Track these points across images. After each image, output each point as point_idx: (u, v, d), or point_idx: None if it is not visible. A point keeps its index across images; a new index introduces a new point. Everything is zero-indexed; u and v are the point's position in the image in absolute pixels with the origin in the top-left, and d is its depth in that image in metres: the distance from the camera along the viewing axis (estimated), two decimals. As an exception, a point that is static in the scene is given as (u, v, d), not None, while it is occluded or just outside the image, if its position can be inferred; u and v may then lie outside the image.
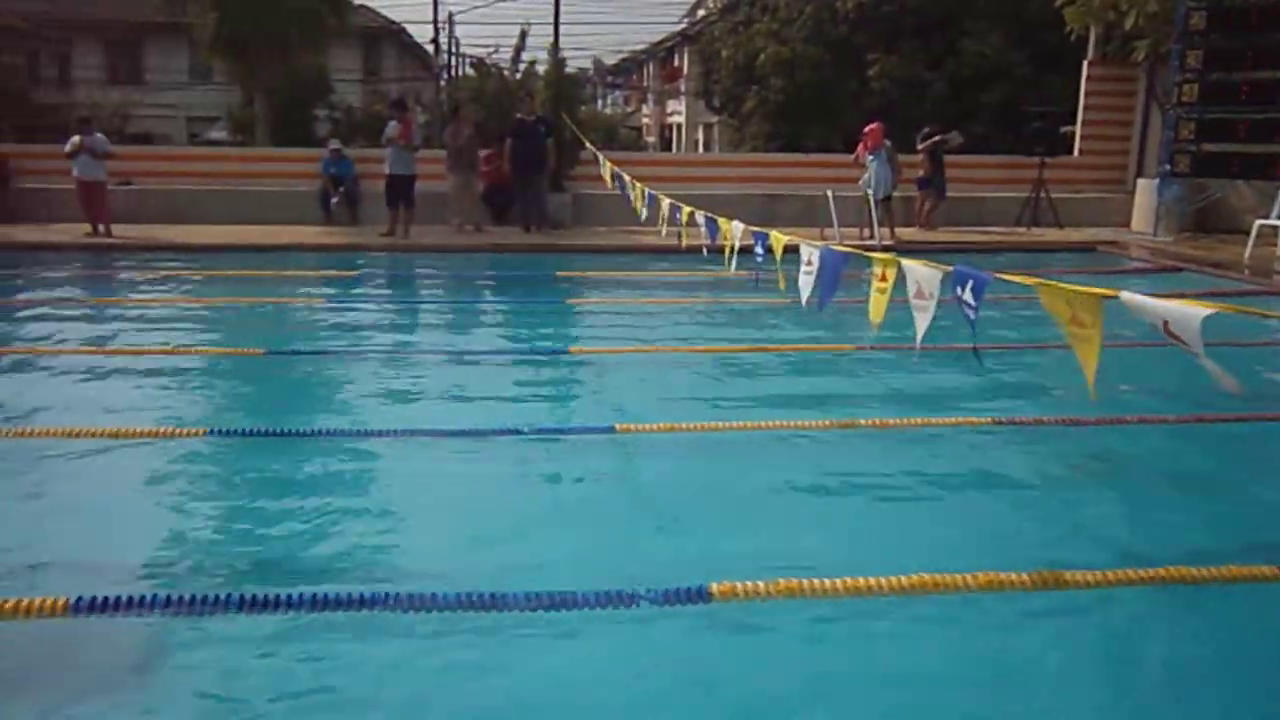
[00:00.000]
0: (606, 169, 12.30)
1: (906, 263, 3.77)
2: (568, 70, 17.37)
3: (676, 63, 44.63)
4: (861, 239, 13.45)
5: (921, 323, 3.65)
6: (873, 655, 3.12)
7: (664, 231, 8.54)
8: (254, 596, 3.17)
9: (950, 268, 3.47)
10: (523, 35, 18.69)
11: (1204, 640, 3.29)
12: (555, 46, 16.35)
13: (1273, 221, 12.22)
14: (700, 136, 39.90)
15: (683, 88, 41.23)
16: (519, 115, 14.51)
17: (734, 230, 6.20)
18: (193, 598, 3.17)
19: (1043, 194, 15.31)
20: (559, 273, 11.56)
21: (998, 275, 3.31)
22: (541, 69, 17.10)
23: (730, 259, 6.27)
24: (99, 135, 13.92)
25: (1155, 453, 5.22)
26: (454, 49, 34.71)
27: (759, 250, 5.71)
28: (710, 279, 10.35)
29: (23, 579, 3.45)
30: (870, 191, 13.92)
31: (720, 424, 5.29)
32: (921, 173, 15.18)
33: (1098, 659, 3.17)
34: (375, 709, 2.81)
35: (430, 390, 6.34)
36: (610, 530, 4.07)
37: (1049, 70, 19.18)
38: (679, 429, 5.17)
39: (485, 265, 12.65)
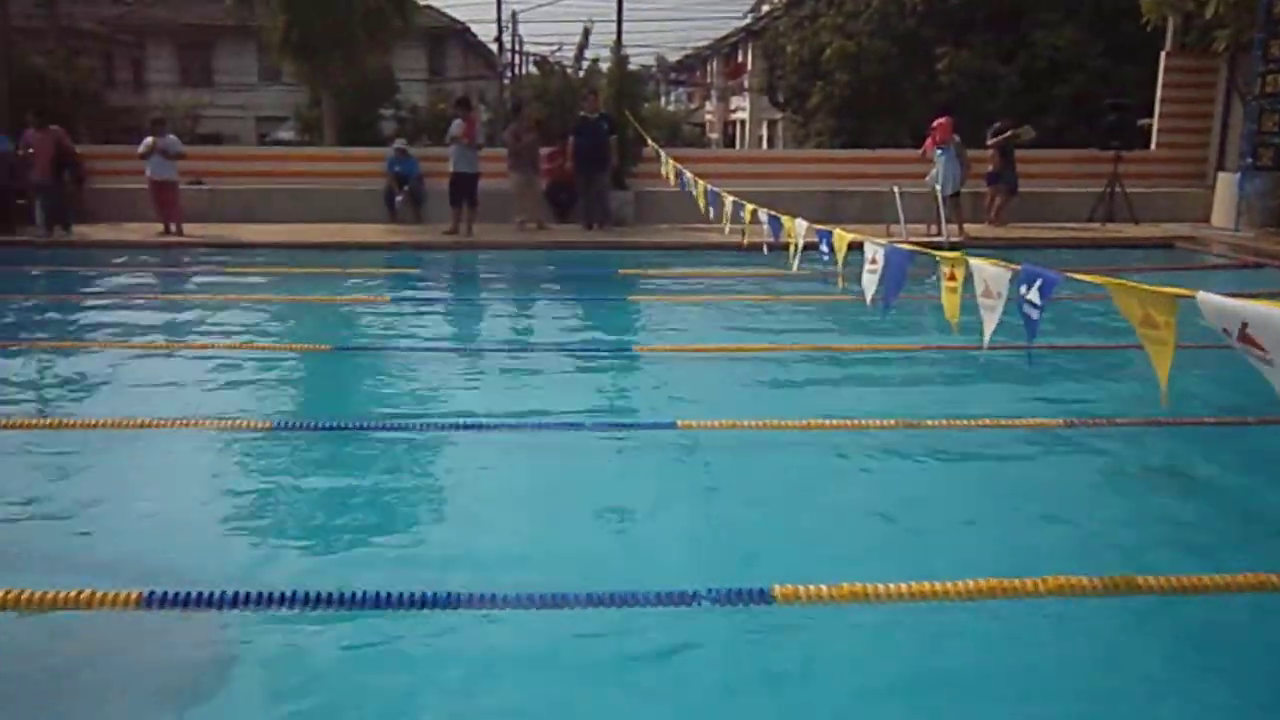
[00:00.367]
0: (668, 166, 12.26)
1: (974, 261, 3.69)
2: (631, 68, 17.36)
3: (740, 59, 44.41)
4: (929, 236, 13.23)
5: (989, 322, 3.56)
6: (939, 661, 3.05)
7: (726, 229, 8.48)
8: (319, 593, 3.20)
9: (1018, 266, 3.38)
10: (586, 33, 18.74)
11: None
12: (618, 44, 16.40)
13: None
14: (764, 133, 39.64)
15: (746, 84, 41.00)
16: (582, 113, 14.54)
17: (797, 228, 6.13)
18: (260, 595, 3.21)
19: (1118, 188, 14.92)
20: (621, 270, 11.57)
21: (1068, 274, 3.21)
22: (605, 67, 17.12)
23: (794, 257, 6.21)
24: (171, 136, 14.26)
25: (1232, 455, 5.05)
26: (517, 48, 34.99)
27: (823, 248, 5.64)
28: (773, 277, 10.27)
29: (94, 570, 3.52)
30: (938, 187, 13.69)
31: (783, 422, 5.23)
32: (991, 167, 14.88)
33: (1173, 667, 3.07)
34: (434, 703, 2.82)
35: (493, 386, 6.38)
36: (671, 528, 4.04)
37: (1124, 62, 18.70)
38: (741, 426, 5.14)
39: (548, 263, 12.70)
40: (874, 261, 4.55)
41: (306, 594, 3.21)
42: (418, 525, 4.07)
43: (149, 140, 13.74)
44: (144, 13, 39.14)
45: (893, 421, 5.25)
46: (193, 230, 13.83)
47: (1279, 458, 5.09)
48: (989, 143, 14.84)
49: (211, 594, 3.19)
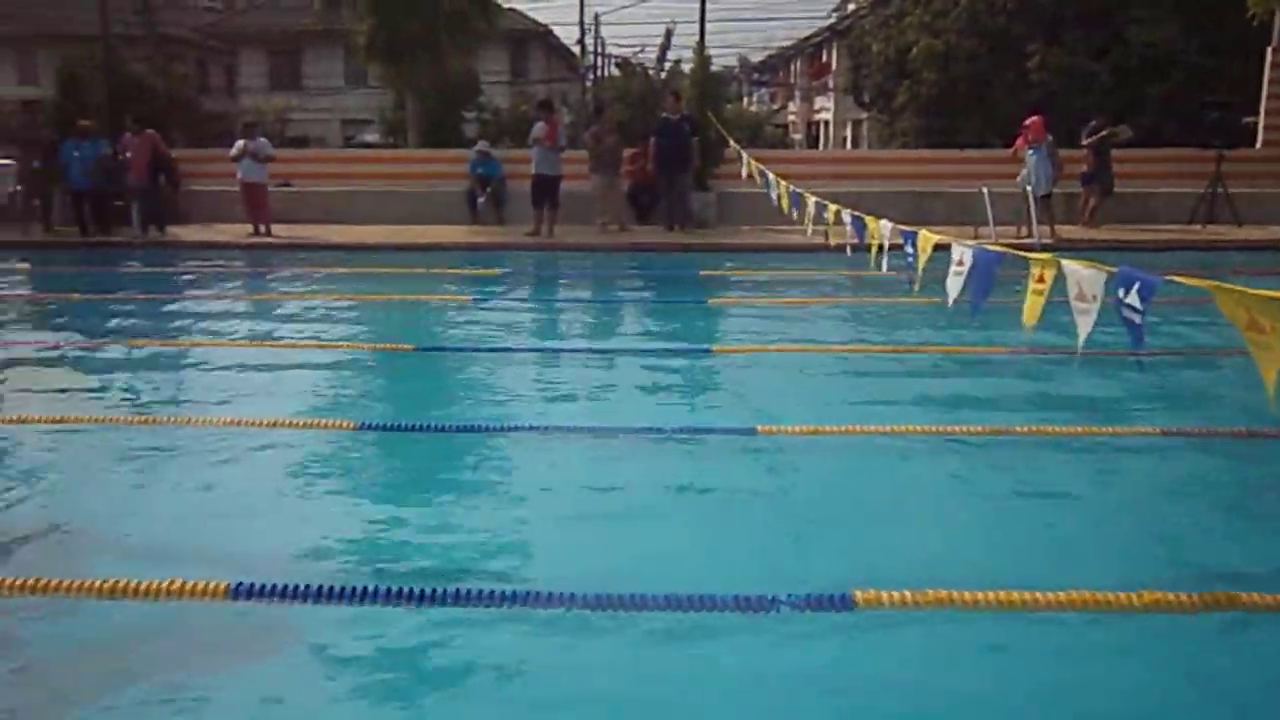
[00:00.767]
0: (750, 167, 12.17)
1: (1067, 263, 3.57)
2: (713, 68, 17.30)
3: (824, 58, 44.01)
4: (1019, 237, 12.90)
5: (1083, 326, 3.45)
6: (1025, 675, 2.95)
7: (809, 230, 8.38)
8: (399, 589, 3.24)
9: (1115, 269, 3.26)
10: (668, 34, 18.77)
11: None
12: (701, 44, 16.33)
13: None
14: (848, 133, 39.22)
15: (830, 84, 40.61)
16: (663, 114, 14.52)
17: (882, 229, 6.02)
18: (340, 589, 3.25)
19: (1220, 189, 14.36)
20: (702, 271, 11.52)
21: (1169, 277, 3.07)
22: (687, 68, 17.08)
23: (879, 258, 6.09)
24: (262, 139, 14.64)
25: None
26: (600, 50, 35.14)
27: (907, 250, 5.52)
28: (856, 279, 10.12)
29: (182, 562, 3.59)
30: (1029, 188, 13.35)
31: (866, 427, 5.13)
32: (1086, 167, 14.46)
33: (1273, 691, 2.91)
34: (510, 705, 2.81)
35: (573, 387, 6.38)
36: (751, 533, 3.98)
37: (1226, 58, 18.02)
38: (823, 432, 5.05)
39: (629, 264, 12.70)
40: (960, 263, 4.43)
41: (388, 589, 3.26)
42: (496, 524, 4.07)
43: (241, 143, 14.13)
44: (236, 20, 40.42)
45: (980, 428, 5.11)
46: (280, 231, 14.18)
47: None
48: (1084, 142, 14.42)
49: (295, 586, 3.25)
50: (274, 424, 5.17)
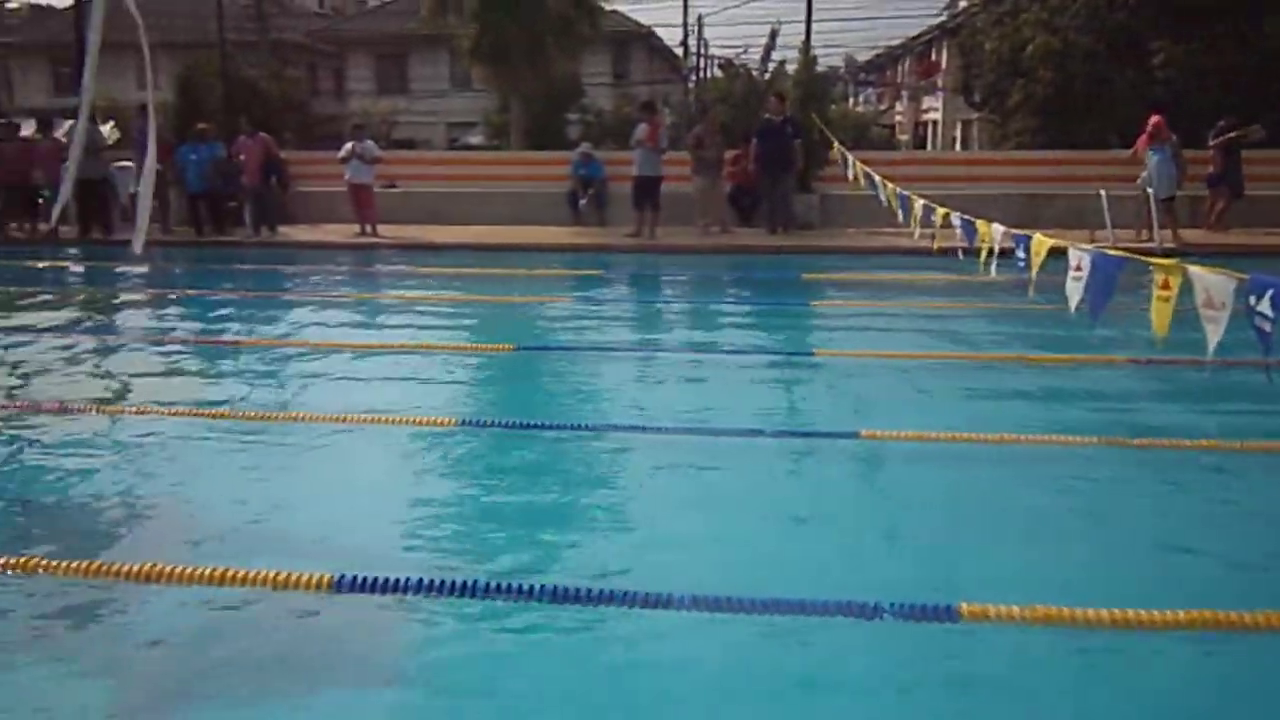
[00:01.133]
0: (855, 168, 11.97)
1: (1193, 269, 3.41)
2: (818, 69, 17.09)
3: (934, 57, 43.11)
4: (1139, 241, 12.41)
5: (1212, 335, 3.30)
6: (1144, 697, 2.82)
7: (916, 233, 8.19)
8: (499, 584, 3.28)
9: (1245, 275, 3.10)
10: (773, 35, 18.64)
11: None
12: (806, 44, 16.13)
13: None
14: (958, 134, 38.35)
15: (940, 83, 39.76)
16: (766, 115, 14.39)
17: (993, 232, 5.83)
18: (440, 582, 3.28)
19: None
20: (805, 274, 11.37)
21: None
22: (791, 68, 16.91)
23: (989, 262, 5.91)
24: (369, 142, 14.97)
25: None
26: (703, 51, 35.04)
27: (1019, 254, 5.33)
28: (965, 283, 9.85)
29: (288, 553, 3.67)
30: (1151, 190, 12.83)
31: (973, 435, 4.96)
32: (1213, 169, 13.81)
33: None
34: (604, 703, 2.81)
35: (673, 389, 6.36)
36: (853, 539, 3.91)
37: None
38: (928, 438, 4.92)
39: (730, 266, 12.62)
40: (1079, 268, 4.26)
41: (487, 584, 3.30)
42: (594, 523, 4.07)
43: (348, 145, 14.49)
44: (345, 25, 41.56)
45: (1093, 439, 4.91)
46: (385, 231, 14.49)
47: None
48: (1212, 143, 13.78)
49: (396, 580, 3.29)
50: (378, 421, 5.26)
